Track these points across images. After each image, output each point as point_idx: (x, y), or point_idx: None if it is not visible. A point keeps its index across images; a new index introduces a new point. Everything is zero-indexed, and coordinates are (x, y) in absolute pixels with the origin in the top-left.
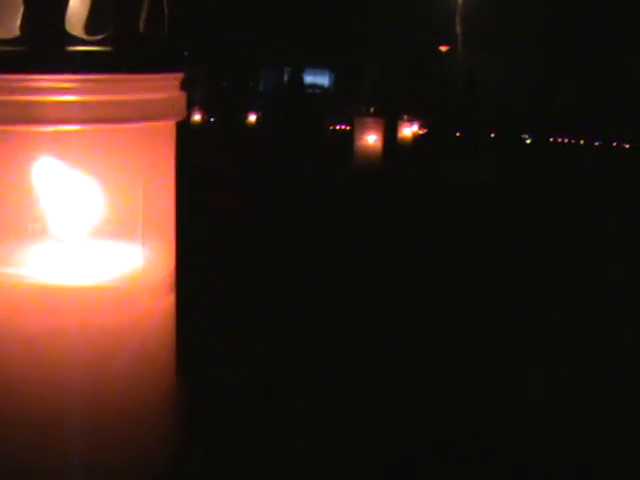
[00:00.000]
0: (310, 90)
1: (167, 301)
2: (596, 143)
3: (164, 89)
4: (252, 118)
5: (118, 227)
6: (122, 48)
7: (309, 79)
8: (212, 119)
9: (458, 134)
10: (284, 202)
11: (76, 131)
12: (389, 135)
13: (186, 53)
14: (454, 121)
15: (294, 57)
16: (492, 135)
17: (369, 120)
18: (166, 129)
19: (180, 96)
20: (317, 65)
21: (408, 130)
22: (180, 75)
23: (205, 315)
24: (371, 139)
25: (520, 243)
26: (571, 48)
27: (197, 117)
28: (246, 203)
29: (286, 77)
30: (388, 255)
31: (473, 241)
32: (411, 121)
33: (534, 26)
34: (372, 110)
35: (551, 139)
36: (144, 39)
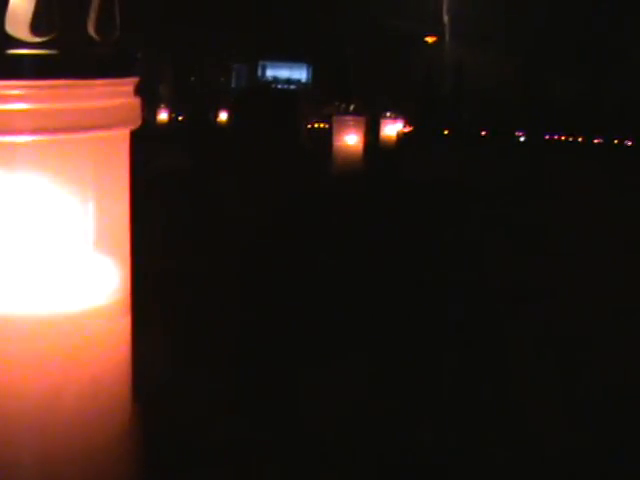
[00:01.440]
0: (286, 85)
1: (122, 324)
2: (595, 140)
3: (116, 95)
4: (223, 116)
5: (68, 246)
6: (69, 51)
7: (285, 73)
8: (180, 118)
9: (446, 132)
10: (252, 215)
11: (18, 143)
12: (371, 135)
13: (139, 55)
14: (441, 118)
15: (268, 49)
16: (483, 133)
17: (349, 118)
18: (119, 139)
19: (134, 102)
20: (294, 58)
21: (392, 128)
22: (134, 80)
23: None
24: (351, 139)
25: (519, 255)
26: (569, 39)
27: (163, 116)
28: (203, 214)
29: (260, 71)
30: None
31: (469, 260)
32: (395, 118)
33: (528, 16)
34: (352, 108)
35: (547, 137)
36: (93, 41)
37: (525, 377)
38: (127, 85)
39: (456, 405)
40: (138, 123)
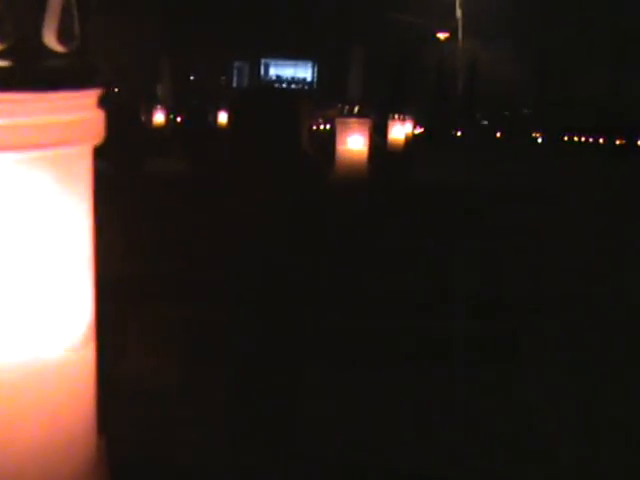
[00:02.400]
0: (289, 85)
1: (85, 353)
2: (617, 141)
3: (75, 109)
4: (223, 118)
5: (25, 273)
6: (23, 62)
7: (289, 72)
8: (178, 119)
9: (459, 133)
10: (242, 230)
11: None
12: (377, 138)
13: (101, 66)
14: (454, 119)
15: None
16: (498, 134)
17: (353, 121)
18: (79, 156)
19: (96, 116)
20: (298, 56)
21: (400, 131)
22: (96, 92)
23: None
24: (355, 143)
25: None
26: (589, 34)
27: (159, 117)
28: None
29: (262, 70)
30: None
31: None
32: (403, 120)
33: (545, 11)
34: (357, 109)
35: (565, 138)
36: (50, 52)
37: None
38: (88, 98)
39: None
40: (101, 138)
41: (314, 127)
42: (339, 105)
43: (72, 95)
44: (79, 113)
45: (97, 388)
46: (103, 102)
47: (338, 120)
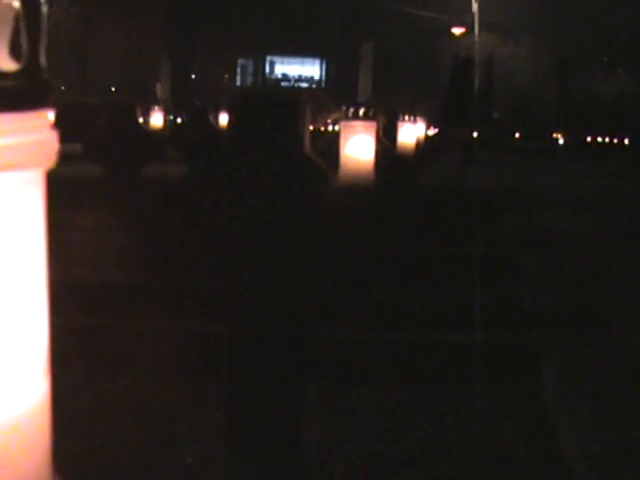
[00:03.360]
0: (296, 83)
1: (38, 390)
2: None
3: (25, 130)
4: (224, 120)
5: None
6: None
7: (296, 70)
8: (178, 120)
9: (475, 134)
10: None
11: None
12: (386, 142)
13: (54, 85)
14: (470, 119)
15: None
16: (517, 135)
17: (358, 124)
18: (29, 182)
19: (48, 138)
20: (306, 53)
21: (411, 133)
22: (48, 112)
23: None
24: (360, 148)
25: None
26: (612, 29)
27: (157, 119)
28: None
29: (267, 68)
30: None
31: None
32: (414, 121)
33: (567, 5)
34: (362, 112)
35: (588, 138)
36: None
37: None
38: (39, 119)
39: None
40: (53, 161)
41: (321, 129)
42: (343, 107)
43: (21, 117)
44: (29, 135)
45: (51, 424)
46: (56, 124)
47: (343, 123)
